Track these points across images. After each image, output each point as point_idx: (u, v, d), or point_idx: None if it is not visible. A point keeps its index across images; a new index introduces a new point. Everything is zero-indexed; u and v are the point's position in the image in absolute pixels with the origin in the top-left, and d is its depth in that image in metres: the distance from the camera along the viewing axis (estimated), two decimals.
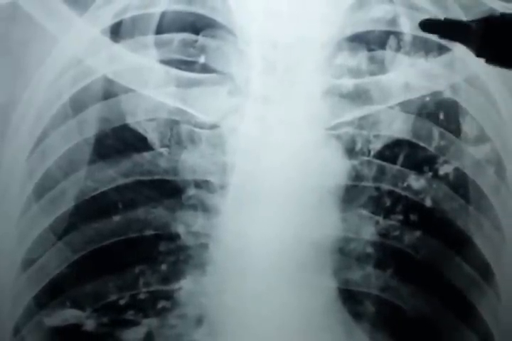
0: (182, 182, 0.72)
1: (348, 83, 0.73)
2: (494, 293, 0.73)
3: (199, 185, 0.72)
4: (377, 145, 0.73)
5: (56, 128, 0.72)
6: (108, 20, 0.72)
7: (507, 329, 0.73)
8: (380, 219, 0.73)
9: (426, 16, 0.72)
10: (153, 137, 0.72)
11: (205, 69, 0.72)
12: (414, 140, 0.73)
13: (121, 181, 0.72)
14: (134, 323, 0.72)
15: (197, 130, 0.72)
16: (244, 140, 0.73)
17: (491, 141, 0.73)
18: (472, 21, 0.38)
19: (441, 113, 0.73)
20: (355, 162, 0.73)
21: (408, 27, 0.73)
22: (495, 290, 0.73)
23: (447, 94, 0.73)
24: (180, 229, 0.72)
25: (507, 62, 0.37)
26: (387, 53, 0.73)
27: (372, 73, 0.73)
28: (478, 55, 0.38)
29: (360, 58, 0.73)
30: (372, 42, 0.73)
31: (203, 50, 0.72)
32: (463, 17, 0.73)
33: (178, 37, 0.72)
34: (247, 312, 0.72)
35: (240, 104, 0.72)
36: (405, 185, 0.73)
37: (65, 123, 0.72)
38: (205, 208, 0.73)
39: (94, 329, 0.72)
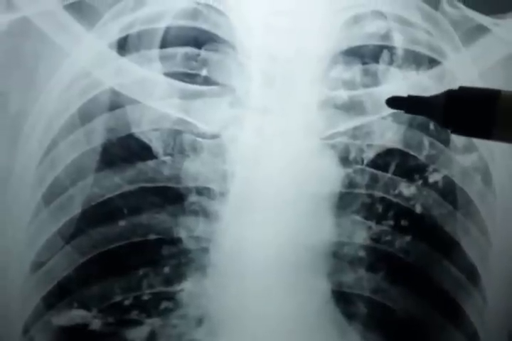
0: (184, 189, 0.72)
1: (343, 95, 0.73)
2: (480, 295, 0.73)
3: (200, 191, 0.73)
4: (370, 154, 0.73)
5: (65, 137, 0.72)
6: (115, 34, 0.72)
7: (492, 330, 0.73)
8: (373, 224, 0.73)
9: (418, 32, 0.73)
10: (157, 146, 0.72)
11: (207, 81, 0.72)
12: (405, 149, 0.73)
13: (126, 188, 0.72)
14: (137, 323, 0.73)
15: (199, 139, 0.73)
16: (244, 149, 0.73)
17: (478, 151, 0.73)
18: (434, 96, 0.39)
19: (431, 124, 0.73)
20: (349, 170, 0.73)
21: (400, 42, 0.73)
22: (481, 292, 0.73)
23: None
24: (182, 234, 0.73)
25: (471, 132, 0.38)
26: (381, 66, 0.73)
27: (366, 85, 0.73)
28: (443, 126, 0.39)
29: (355, 71, 0.73)
30: (366, 56, 0.73)
31: (205, 63, 0.72)
32: (452, 32, 0.73)
33: (181, 51, 0.72)
34: (245, 312, 0.72)
35: (239, 114, 0.73)
36: (397, 192, 0.73)
37: (74, 133, 0.72)
38: (206, 214, 0.73)
39: (100, 328, 0.72)
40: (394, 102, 0.41)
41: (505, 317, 0.73)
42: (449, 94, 0.38)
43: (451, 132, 0.39)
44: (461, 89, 0.38)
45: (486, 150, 0.73)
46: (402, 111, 0.40)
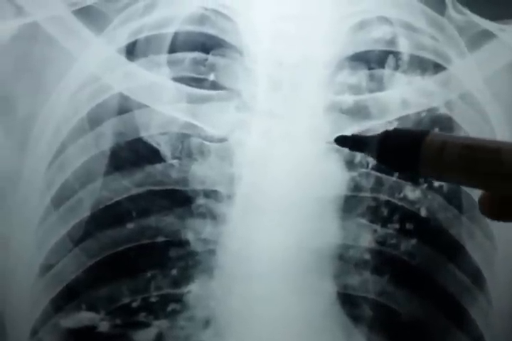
0: (192, 192, 0.72)
1: (349, 99, 0.73)
2: (485, 299, 0.73)
3: (208, 194, 0.72)
4: None
5: (74, 141, 0.72)
6: (124, 40, 0.72)
7: (498, 333, 0.73)
8: (378, 227, 0.73)
9: (423, 37, 0.73)
10: (165, 150, 0.72)
11: (215, 86, 0.72)
12: None
13: (134, 191, 0.72)
14: (145, 325, 0.72)
15: (206, 143, 0.72)
16: (251, 152, 0.73)
17: None
18: (372, 136, 0.42)
19: (436, 128, 0.73)
20: (355, 174, 0.73)
21: (406, 47, 0.73)
22: (486, 295, 0.72)
23: (442, 110, 0.73)
24: (190, 236, 0.73)
25: (401, 169, 0.41)
26: (386, 72, 0.73)
27: (372, 90, 0.73)
28: (378, 162, 0.42)
29: (361, 76, 0.73)
30: (372, 61, 0.73)
31: (212, 68, 0.72)
32: (458, 38, 0.73)
33: (189, 56, 0.72)
34: (251, 314, 0.72)
35: (246, 118, 0.73)
36: (402, 195, 0.73)
37: (83, 137, 0.72)
38: (213, 216, 0.73)
39: (108, 330, 0.72)
40: (340, 141, 0.44)
41: (511, 320, 0.72)
42: (383, 135, 0.41)
43: (386, 168, 0.42)
44: (395, 130, 0.41)
45: None
46: (347, 148, 0.44)
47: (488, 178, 0.38)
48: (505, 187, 0.38)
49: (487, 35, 0.73)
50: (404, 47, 0.73)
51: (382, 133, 0.42)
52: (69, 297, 0.72)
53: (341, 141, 0.44)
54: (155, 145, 0.72)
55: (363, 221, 0.73)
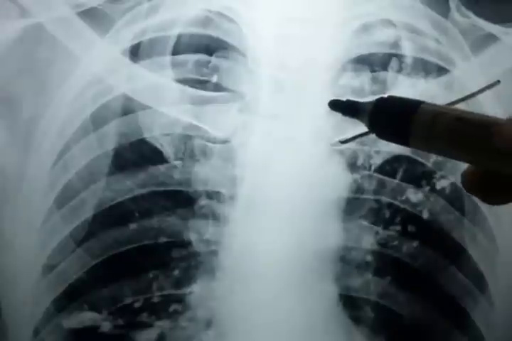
0: (194, 193, 0.72)
1: None
2: (487, 301, 0.72)
3: (210, 195, 0.72)
4: (377, 161, 0.72)
5: (77, 142, 0.72)
6: (128, 41, 0.72)
7: (499, 335, 0.72)
8: (380, 229, 0.72)
9: (427, 40, 0.72)
10: (168, 151, 0.72)
11: (218, 88, 0.72)
12: (413, 156, 0.72)
13: (137, 192, 0.72)
14: (147, 325, 0.72)
15: (209, 144, 0.72)
16: (253, 154, 0.72)
17: None
18: (367, 102, 0.41)
19: None
20: (357, 176, 0.72)
21: (410, 50, 0.72)
22: (488, 298, 0.72)
23: None
24: (192, 237, 0.72)
25: (391, 138, 0.40)
26: (389, 74, 0.72)
27: (375, 93, 0.72)
28: (369, 129, 0.41)
29: (364, 79, 0.72)
30: (375, 64, 0.72)
31: (215, 70, 0.72)
32: (462, 41, 0.72)
33: (192, 58, 0.72)
34: (253, 315, 0.72)
35: (249, 120, 0.72)
36: (404, 198, 0.72)
37: (86, 138, 0.72)
38: (215, 217, 0.72)
39: (110, 330, 0.72)
40: (334, 105, 0.43)
41: None
42: (378, 101, 0.40)
43: (376, 136, 0.41)
44: (389, 97, 0.40)
45: None
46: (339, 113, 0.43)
47: (476, 153, 0.37)
48: (491, 163, 0.37)
49: (491, 39, 0.72)
50: (407, 50, 0.72)
51: (376, 100, 0.41)
52: (71, 297, 0.72)
53: (335, 105, 0.43)
54: (158, 146, 0.72)
55: (365, 223, 0.72)
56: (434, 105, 0.40)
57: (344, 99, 0.43)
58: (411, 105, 0.40)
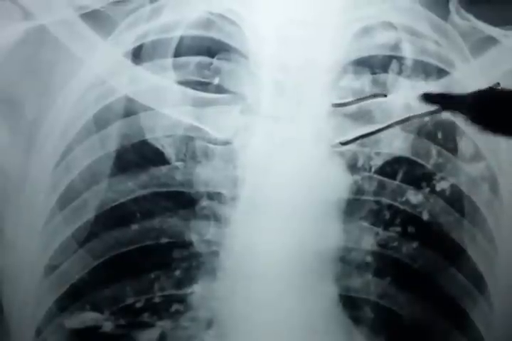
0: (196, 194, 0.72)
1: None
2: (487, 302, 0.72)
3: (211, 196, 0.72)
4: (378, 162, 0.73)
5: (80, 143, 0.72)
6: (130, 43, 0.72)
7: (498, 336, 0.72)
8: (380, 230, 0.72)
9: (427, 42, 0.72)
10: (169, 152, 0.72)
11: (219, 89, 0.72)
12: (413, 157, 0.72)
13: (139, 193, 0.72)
14: (148, 325, 0.72)
15: (210, 146, 0.72)
16: (254, 155, 0.72)
17: (486, 160, 0.72)
18: (466, 95, 0.40)
19: (439, 132, 0.72)
20: (357, 177, 0.72)
21: (410, 52, 0.72)
22: (487, 299, 0.72)
23: (445, 115, 0.72)
24: (194, 238, 0.72)
25: (498, 131, 0.39)
26: (390, 76, 0.72)
27: (375, 95, 0.72)
28: (473, 122, 0.39)
29: (364, 81, 0.72)
30: (375, 66, 0.72)
31: (217, 72, 0.72)
32: (462, 43, 0.72)
33: (194, 60, 0.72)
34: (254, 315, 0.72)
35: (250, 122, 0.72)
36: (404, 199, 0.72)
37: (89, 139, 0.72)
38: (216, 218, 0.72)
39: (112, 330, 0.72)
40: (426, 98, 0.41)
41: None
42: (480, 93, 0.39)
43: (480, 129, 0.39)
44: (491, 89, 0.39)
45: (493, 160, 0.72)
46: (436, 107, 0.41)
47: None
48: None
49: (490, 41, 0.72)
50: (408, 52, 0.72)
51: (477, 92, 0.40)
52: (73, 297, 0.72)
53: (427, 97, 0.42)
54: (160, 147, 0.72)
55: (365, 224, 0.72)
56: None
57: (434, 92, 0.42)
58: None
